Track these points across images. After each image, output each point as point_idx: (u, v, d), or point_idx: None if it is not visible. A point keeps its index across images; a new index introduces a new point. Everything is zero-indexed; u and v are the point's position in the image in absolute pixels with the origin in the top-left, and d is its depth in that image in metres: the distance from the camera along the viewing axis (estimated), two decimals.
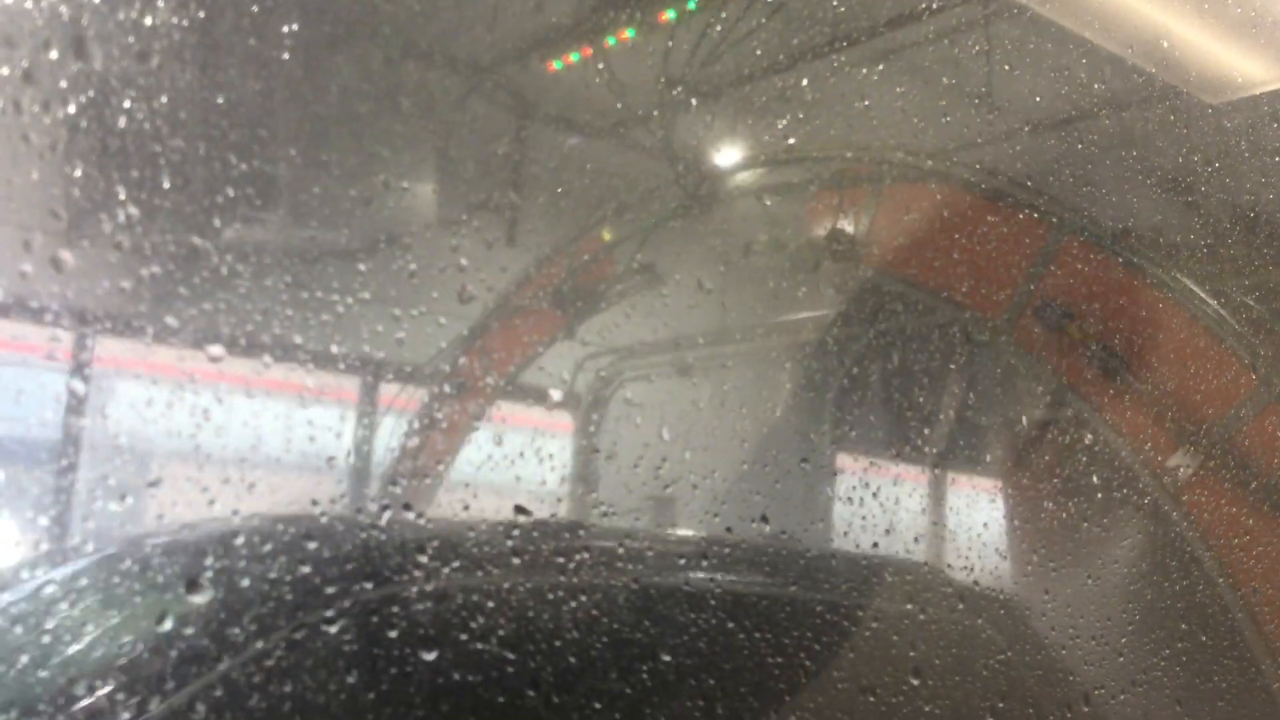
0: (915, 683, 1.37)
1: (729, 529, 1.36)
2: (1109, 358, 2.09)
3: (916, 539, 1.55)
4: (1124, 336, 2.14)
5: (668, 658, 1.20)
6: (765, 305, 1.69)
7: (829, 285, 1.80)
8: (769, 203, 1.80)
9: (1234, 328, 2.36)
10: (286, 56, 1.30)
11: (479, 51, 1.51)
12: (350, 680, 1.06)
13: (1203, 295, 2.31)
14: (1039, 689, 1.53)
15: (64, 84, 1.14)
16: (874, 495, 1.52)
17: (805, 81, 1.75)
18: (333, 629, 1.06)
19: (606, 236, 1.62)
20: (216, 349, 1.15)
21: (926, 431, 1.66)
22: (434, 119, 1.47)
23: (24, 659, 1.01)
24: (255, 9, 1.29)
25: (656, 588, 1.25)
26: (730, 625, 1.25)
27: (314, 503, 1.11)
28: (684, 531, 1.37)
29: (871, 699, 1.34)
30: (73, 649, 1.04)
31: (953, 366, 1.75)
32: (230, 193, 1.22)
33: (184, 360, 1.14)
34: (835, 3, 1.82)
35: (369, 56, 1.38)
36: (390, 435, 1.30)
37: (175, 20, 1.21)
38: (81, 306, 1.11)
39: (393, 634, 1.08)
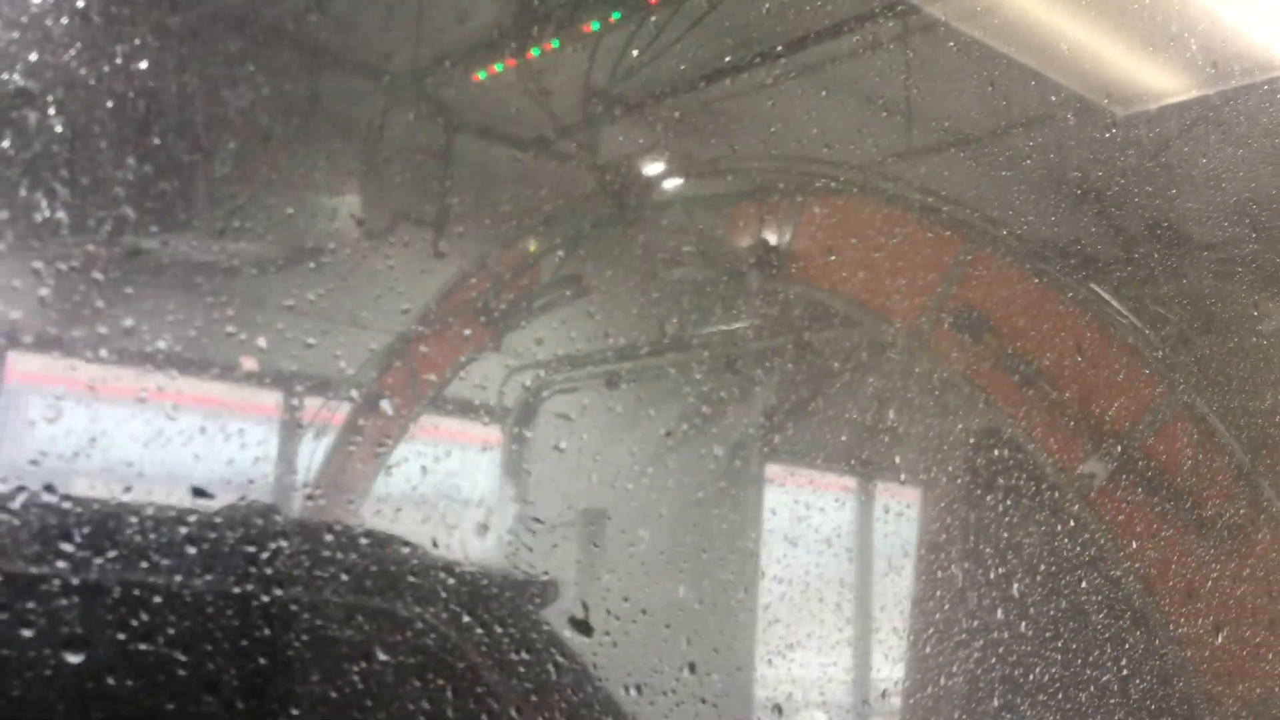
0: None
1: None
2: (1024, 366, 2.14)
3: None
4: (1037, 346, 2.19)
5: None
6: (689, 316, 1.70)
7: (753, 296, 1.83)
8: (693, 214, 1.82)
9: (1147, 337, 2.42)
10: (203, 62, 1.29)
11: (403, 62, 1.51)
12: None
13: (1116, 305, 2.37)
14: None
15: None
16: None
17: (727, 94, 1.77)
18: None
19: (531, 248, 1.62)
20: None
21: None
22: (358, 130, 1.46)
23: None
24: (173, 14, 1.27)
25: None
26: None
27: None
28: None
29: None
30: None
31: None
32: (147, 203, 1.20)
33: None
34: (756, 16, 1.84)
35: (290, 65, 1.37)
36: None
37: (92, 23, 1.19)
38: None
39: None
